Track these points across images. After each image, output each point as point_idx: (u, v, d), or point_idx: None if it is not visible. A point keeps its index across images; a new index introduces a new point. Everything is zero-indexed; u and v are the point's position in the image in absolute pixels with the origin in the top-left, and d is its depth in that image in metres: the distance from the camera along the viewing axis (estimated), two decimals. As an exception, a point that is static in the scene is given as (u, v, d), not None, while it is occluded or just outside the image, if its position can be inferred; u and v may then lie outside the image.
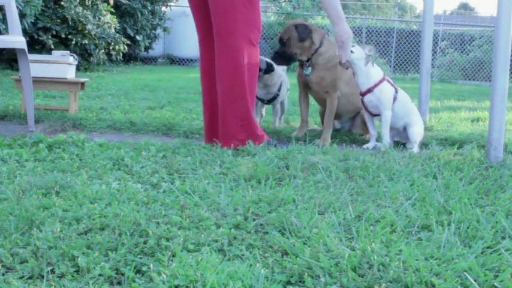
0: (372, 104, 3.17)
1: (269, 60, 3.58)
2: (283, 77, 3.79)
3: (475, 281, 1.33)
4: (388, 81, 3.20)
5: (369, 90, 3.14)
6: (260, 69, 3.47)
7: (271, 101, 3.73)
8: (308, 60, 3.37)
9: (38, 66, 3.86)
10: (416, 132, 3.20)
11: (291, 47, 3.34)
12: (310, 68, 3.37)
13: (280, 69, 3.73)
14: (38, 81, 3.85)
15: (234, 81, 2.83)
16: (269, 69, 3.54)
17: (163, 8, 11.77)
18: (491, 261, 1.43)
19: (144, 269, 1.35)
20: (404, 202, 1.94)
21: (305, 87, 3.52)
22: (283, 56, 3.38)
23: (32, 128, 3.34)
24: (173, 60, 13.61)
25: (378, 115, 3.21)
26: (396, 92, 3.20)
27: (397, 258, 1.42)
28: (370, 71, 3.13)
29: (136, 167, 2.34)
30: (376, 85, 3.13)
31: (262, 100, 3.76)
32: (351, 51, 3.08)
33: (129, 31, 10.56)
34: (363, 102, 3.22)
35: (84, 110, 4.20)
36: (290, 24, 3.39)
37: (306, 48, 3.34)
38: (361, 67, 3.13)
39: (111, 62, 9.80)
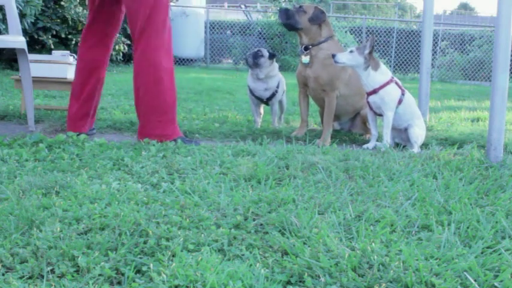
0: (375, 105, 3.18)
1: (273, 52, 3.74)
2: (280, 76, 3.81)
3: (475, 281, 1.33)
4: (397, 83, 3.20)
5: (374, 91, 3.14)
6: (262, 56, 3.63)
7: (269, 99, 3.73)
8: (306, 48, 3.40)
9: (38, 66, 3.86)
10: (417, 133, 3.19)
11: (301, 18, 3.41)
12: (308, 58, 3.40)
13: (276, 68, 3.76)
14: (38, 81, 3.85)
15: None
16: (272, 56, 3.69)
17: (163, 8, 11.74)
18: (491, 261, 1.43)
19: (144, 269, 1.35)
20: (404, 202, 1.94)
21: (304, 85, 3.53)
22: (290, 16, 3.43)
23: (32, 128, 3.34)
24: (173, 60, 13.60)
25: (382, 115, 3.21)
26: (403, 94, 3.19)
27: (397, 258, 1.42)
28: (371, 74, 3.13)
29: (136, 167, 2.34)
30: (381, 87, 3.13)
31: (261, 99, 3.76)
32: (339, 61, 3.10)
33: (129, 31, 10.56)
34: (367, 101, 3.22)
35: (84, 110, 4.19)
36: (313, 5, 3.50)
37: (311, 32, 3.41)
38: (361, 71, 3.13)
39: (111, 62, 9.79)
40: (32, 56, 3.74)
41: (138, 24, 2.93)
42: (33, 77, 3.47)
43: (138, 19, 2.92)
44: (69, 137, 2.85)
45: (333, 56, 3.12)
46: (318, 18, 3.39)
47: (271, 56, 3.66)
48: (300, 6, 3.44)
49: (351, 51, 3.13)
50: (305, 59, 3.43)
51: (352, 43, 13.25)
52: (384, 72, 3.17)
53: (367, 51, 3.11)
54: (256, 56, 3.63)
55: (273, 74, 3.69)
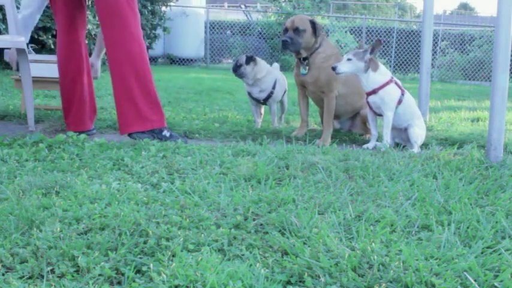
0: (375, 105, 3.18)
1: (250, 55, 3.66)
2: (278, 75, 3.79)
3: (475, 281, 1.33)
4: (396, 83, 3.20)
5: (374, 92, 3.14)
6: (241, 65, 3.58)
7: (266, 99, 3.73)
8: (305, 59, 3.38)
9: (38, 66, 3.86)
10: (417, 133, 3.19)
11: (303, 38, 3.34)
12: (307, 68, 3.39)
13: (268, 66, 3.73)
14: (38, 81, 3.85)
15: None
16: (249, 60, 3.60)
17: (163, 8, 11.76)
18: (491, 261, 1.43)
19: (144, 269, 1.35)
20: (404, 202, 1.94)
21: (303, 87, 3.53)
22: (297, 44, 3.35)
23: (32, 128, 3.34)
24: (173, 60, 13.63)
25: (382, 115, 3.21)
26: (403, 94, 3.19)
27: (397, 258, 1.42)
28: (371, 76, 3.12)
29: (136, 167, 2.34)
30: (381, 87, 3.13)
31: (258, 100, 3.75)
32: (340, 71, 3.08)
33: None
34: (367, 101, 3.22)
35: (84, 110, 4.19)
36: (303, 18, 3.40)
37: (310, 45, 3.37)
38: (361, 74, 3.13)
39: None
40: (32, 56, 3.74)
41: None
42: (33, 77, 3.47)
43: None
44: (69, 137, 2.85)
45: (333, 68, 3.10)
46: (320, 32, 3.35)
47: (248, 61, 3.59)
48: (297, 27, 3.32)
49: (349, 59, 3.10)
50: (304, 69, 3.41)
51: (352, 43, 13.27)
52: (383, 73, 3.17)
53: (368, 56, 3.10)
54: (236, 67, 3.61)
55: (261, 75, 3.63)
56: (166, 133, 3.05)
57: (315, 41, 3.37)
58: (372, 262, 1.39)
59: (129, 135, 3.02)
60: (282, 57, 12.83)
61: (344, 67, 3.09)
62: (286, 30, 3.39)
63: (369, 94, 3.17)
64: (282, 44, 3.40)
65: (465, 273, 1.35)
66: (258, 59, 3.67)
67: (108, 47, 2.95)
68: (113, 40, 2.93)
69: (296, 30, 3.34)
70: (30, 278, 1.31)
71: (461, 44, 14.52)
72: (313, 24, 3.35)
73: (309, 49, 3.38)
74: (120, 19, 2.90)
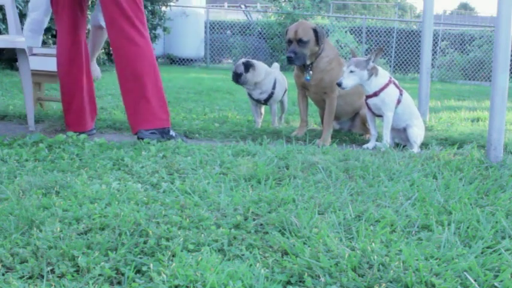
0: (375, 107, 3.18)
1: (246, 61, 3.62)
2: (278, 75, 3.78)
3: (475, 281, 1.33)
4: (394, 83, 3.19)
5: (375, 94, 3.14)
6: (241, 73, 3.57)
7: (267, 100, 3.73)
8: (309, 65, 3.37)
9: (47, 60, 3.82)
10: (416, 133, 3.20)
11: (307, 49, 3.30)
12: (311, 73, 3.37)
13: (266, 67, 3.73)
14: (46, 75, 3.82)
15: None
16: (247, 67, 3.58)
17: (163, 8, 11.76)
18: (491, 261, 1.43)
19: (144, 269, 1.35)
20: (404, 202, 1.94)
21: (303, 88, 3.53)
22: (302, 57, 3.30)
23: (32, 128, 3.34)
24: (173, 60, 13.63)
25: (381, 116, 3.21)
26: (401, 94, 3.19)
27: (397, 258, 1.42)
28: (373, 81, 3.12)
29: (136, 167, 2.34)
30: (381, 89, 3.13)
31: (259, 101, 3.76)
32: (346, 87, 3.07)
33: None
34: (366, 103, 3.22)
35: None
36: (305, 27, 3.32)
37: (313, 53, 3.35)
38: (364, 82, 3.13)
39: (111, 62, 9.79)
40: (36, 50, 3.72)
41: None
42: (41, 71, 3.47)
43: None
44: (69, 137, 2.85)
45: (339, 85, 3.07)
46: (323, 39, 3.32)
47: (247, 68, 3.58)
48: (301, 39, 3.25)
49: (352, 72, 3.06)
50: (307, 75, 3.39)
51: (352, 43, 13.26)
52: (382, 75, 3.17)
53: (371, 65, 3.09)
54: (236, 77, 3.60)
55: (260, 79, 3.63)
56: (172, 133, 3.07)
57: (318, 47, 3.34)
58: (372, 262, 1.39)
59: (138, 136, 3.00)
60: (282, 57, 12.83)
61: (349, 81, 3.06)
62: (289, 41, 3.32)
63: (369, 97, 3.17)
64: (287, 61, 3.33)
65: (465, 273, 1.35)
66: (255, 63, 3.65)
67: (119, 48, 2.96)
68: (122, 40, 2.94)
69: (300, 41, 3.28)
70: (30, 278, 1.31)
71: (461, 44, 14.52)
72: (315, 32, 3.30)
73: (312, 56, 3.36)
74: (128, 18, 2.90)
